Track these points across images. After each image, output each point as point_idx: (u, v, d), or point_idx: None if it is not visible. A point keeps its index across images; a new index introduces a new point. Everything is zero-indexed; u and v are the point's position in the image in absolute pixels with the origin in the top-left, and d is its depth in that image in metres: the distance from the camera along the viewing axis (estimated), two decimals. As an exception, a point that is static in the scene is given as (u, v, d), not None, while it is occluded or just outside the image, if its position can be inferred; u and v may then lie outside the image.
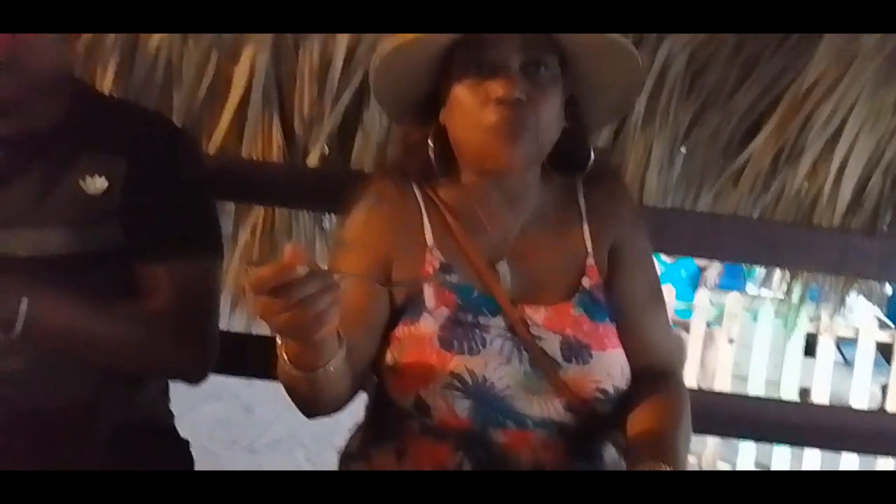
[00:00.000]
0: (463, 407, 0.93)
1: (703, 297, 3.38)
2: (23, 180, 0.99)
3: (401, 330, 0.96)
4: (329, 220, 1.80)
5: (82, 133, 1.03)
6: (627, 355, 1.00)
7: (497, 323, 0.97)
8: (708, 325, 3.40)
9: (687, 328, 3.36)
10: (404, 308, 0.97)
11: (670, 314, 3.35)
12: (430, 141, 0.99)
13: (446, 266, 0.99)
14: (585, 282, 1.02)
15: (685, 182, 1.75)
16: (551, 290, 1.01)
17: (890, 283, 1.91)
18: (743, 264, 2.05)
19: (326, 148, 1.61)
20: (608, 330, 1.00)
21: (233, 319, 1.74)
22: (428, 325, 0.95)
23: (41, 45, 0.95)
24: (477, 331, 0.95)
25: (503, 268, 1.00)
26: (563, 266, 1.03)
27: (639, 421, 0.96)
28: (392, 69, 0.99)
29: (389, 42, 0.96)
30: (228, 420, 3.16)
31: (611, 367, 0.98)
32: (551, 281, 1.02)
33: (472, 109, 0.93)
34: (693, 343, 3.31)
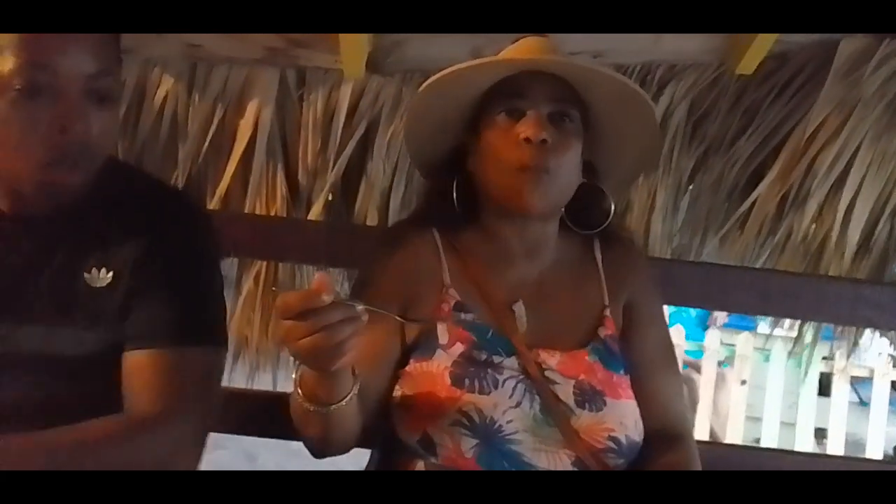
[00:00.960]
0: (469, 446, 0.92)
1: (713, 337, 3.35)
2: (36, 267, 0.93)
3: (412, 366, 0.97)
4: (332, 272, 1.81)
5: (102, 210, 0.95)
6: (641, 414, 0.99)
7: (511, 364, 0.96)
8: (720, 364, 3.36)
9: (698, 369, 3.32)
10: (417, 345, 0.97)
11: (681, 355, 3.34)
12: (454, 186, 1.02)
13: (462, 305, 1.00)
14: (601, 331, 1.02)
15: (690, 228, 1.75)
16: (567, 337, 1.01)
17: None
18: (754, 316, 2.02)
19: (330, 196, 1.62)
20: (622, 380, 0.99)
21: (234, 373, 1.74)
22: (441, 361, 0.95)
23: (106, 125, 0.89)
24: (490, 370, 0.95)
25: (519, 309, 1.01)
26: (580, 314, 1.04)
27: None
28: (427, 116, 1.04)
29: (426, 86, 1.01)
30: (232, 467, 3.13)
31: (624, 417, 0.96)
32: (567, 327, 1.02)
33: (501, 150, 0.97)
34: (705, 385, 3.27)
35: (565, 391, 0.96)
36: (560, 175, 0.97)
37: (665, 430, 1.00)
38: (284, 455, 3.17)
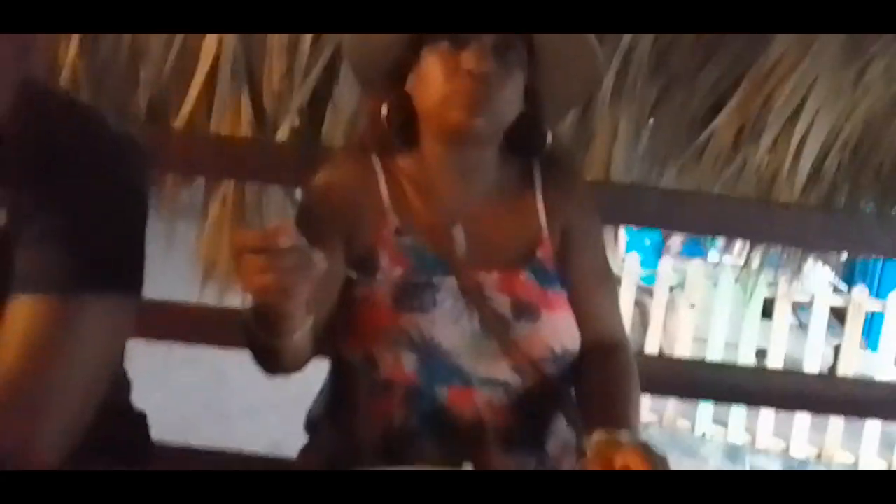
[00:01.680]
0: (410, 361, 0.97)
1: (666, 264, 3.47)
2: None
3: (356, 290, 1.00)
4: (299, 193, 1.81)
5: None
6: (578, 325, 1.04)
7: (450, 284, 1.01)
8: (671, 290, 3.49)
9: (651, 294, 3.45)
10: (360, 268, 1.01)
11: (635, 281, 3.46)
12: (385, 108, 1.02)
13: (401, 229, 1.03)
14: (539, 252, 1.06)
15: (651, 157, 1.79)
16: (504, 257, 1.05)
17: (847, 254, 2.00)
18: (709, 235, 2.12)
19: (297, 120, 1.61)
20: (558, 296, 1.05)
21: (204, 293, 1.76)
22: (382, 284, 0.99)
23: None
24: (428, 290, 0.99)
25: (458, 232, 1.04)
26: (516, 236, 1.07)
27: (590, 389, 1.02)
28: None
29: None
30: (202, 386, 3.18)
31: (559, 328, 1.02)
32: (504, 248, 1.06)
33: (440, 78, 0.97)
34: (656, 308, 3.41)
35: (502, 306, 1.01)
36: (501, 106, 0.99)
37: (602, 340, 1.07)
38: (255, 372, 3.23)
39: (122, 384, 1.07)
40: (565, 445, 1.06)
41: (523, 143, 1.07)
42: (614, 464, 0.80)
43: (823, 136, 1.67)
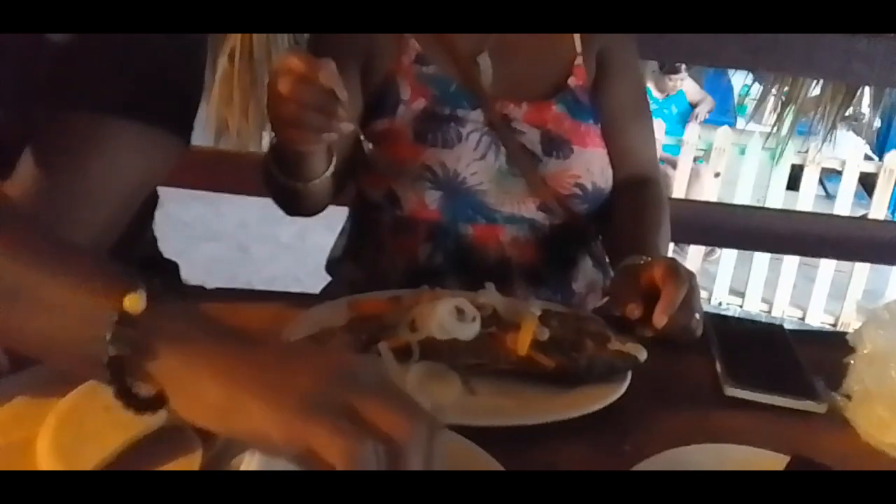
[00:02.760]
0: (432, 199, 0.93)
1: (692, 132, 3.37)
2: None
3: (376, 124, 0.95)
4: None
5: None
6: (611, 162, 1.00)
7: (475, 117, 0.95)
8: (695, 160, 3.41)
9: (674, 165, 3.37)
10: (379, 101, 0.96)
11: (659, 150, 3.37)
12: None
13: (423, 56, 0.97)
14: (571, 81, 1.00)
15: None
16: (534, 87, 0.99)
17: (891, 88, 1.88)
18: (743, 70, 1.99)
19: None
20: (590, 129, 0.99)
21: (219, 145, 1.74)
22: (403, 117, 0.94)
23: None
24: (453, 124, 0.94)
25: (484, 61, 0.97)
26: (548, 64, 1.01)
27: (619, 221, 0.98)
28: None
29: None
30: (226, 259, 3.23)
31: (591, 164, 0.97)
32: (535, 78, 1.00)
33: None
34: (679, 178, 3.34)
35: (532, 141, 0.96)
36: None
37: (635, 174, 1.02)
38: (276, 247, 3.28)
39: (150, 237, 1.08)
40: (591, 284, 1.04)
41: None
42: (640, 279, 0.79)
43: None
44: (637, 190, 1.00)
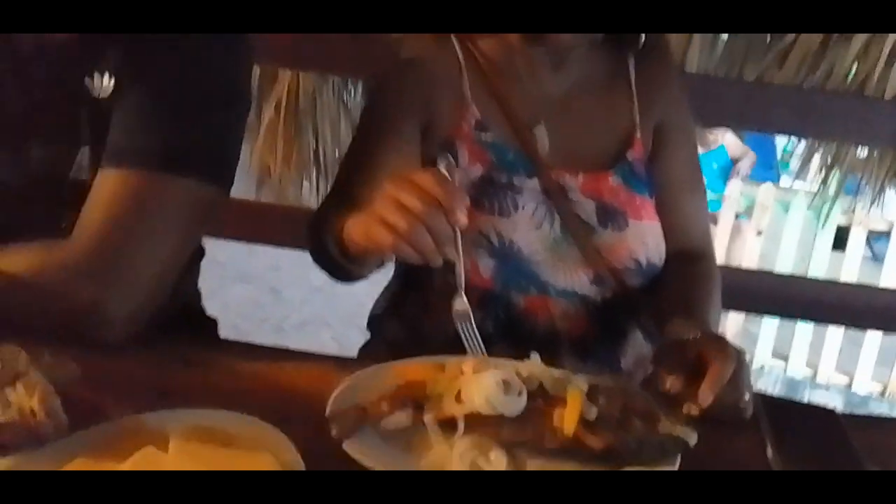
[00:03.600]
0: (486, 266, 0.93)
1: (734, 188, 3.32)
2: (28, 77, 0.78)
3: None
4: (352, 98, 1.77)
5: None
6: (664, 234, 0.99)
7: (531, 185, 0.95)
8: (737, 216, 3.35)
9: (715, 220, 3.32)
10: (437, 164, 0.96)
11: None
12: None
13: (482, 123, 0.96)
14: (629, 154, 0.99)
15: (727, 63, 1.67)
16: (591, 158, 0.98)
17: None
18: (791, 136, 1.95)
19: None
20: (646, 202, 0.99)
21: (260, 199, 1.76)
22: (461, 183, 0.93)
23: None
24: (510, 192, 0.94)
25: (540, 131, 0.97)
26: (607, 135, 1.00)
27: (670, 293, 0.96)
28: None
29: None
30: (257, 301, 3.25)
31: (646, 237, 0.97)
32: (593, 149, 0.99)
33: None
34: (720, 235, 3.28)
35: (587, 212, 0.95)
36: None
37: (688, 248, 1.00)
38: (308, 291, 3.29)
39: (194, 290, 1.08)
40: (641, 357, 1.01)
41: (621, 35, 0.99)
42: (687, 354, 0.75)
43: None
44: (689, 264, 0.98)
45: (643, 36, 0.99)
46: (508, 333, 0.95)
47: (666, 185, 1.01)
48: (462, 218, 0.68)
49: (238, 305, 3.18)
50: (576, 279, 0.95)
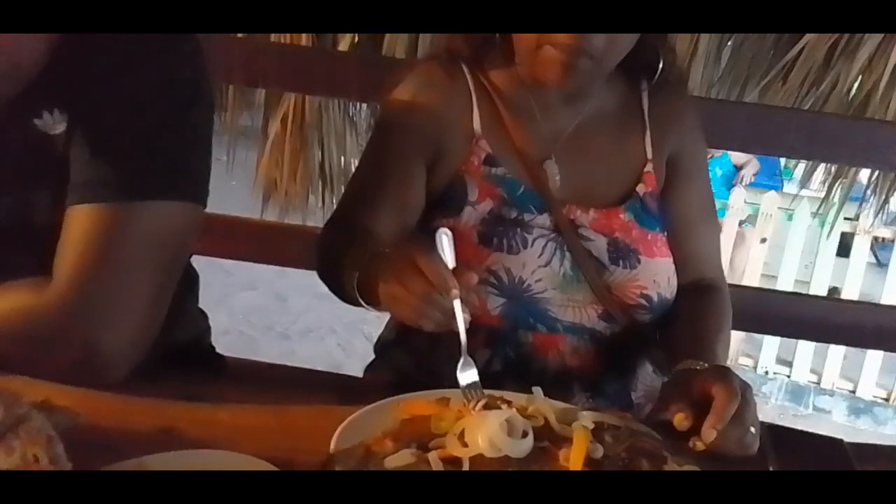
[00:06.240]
0: (495, 304, 0.91)
1: (738, 195, 3.32)
2: None
3: (439, 222, 0.93)
4: (358, 113, 1.78)
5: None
6: (676, 267, 0.97)
7: (541, 222, 0.94)
8: (741, 224, 3.35)
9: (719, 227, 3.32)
10: (444, 199, 0.94)
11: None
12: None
13: (492, 158, 0.95)
14: (640, 189, 0.98)
15: (731, 77, 1.67)
16: (602, 193, 0.97)
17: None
18: (798, 160, 1.95)
19: (356, 36, 1.56)
20: (658, 238, 0.97)
21: (266, 213, 1.76)
22: (469, 218, 0.92)
23: None
24: (519, 229, 0.92)
25: (551, 166, 0.96)
26: (618, 170, 0.99)
27: (681, 325, 0.95)
28: None
29: None
30: (263, 308, 3.26)
31: (658, 275, 0.95)
32: (604, 184, 0.98)
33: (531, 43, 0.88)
34: (724, 242, 3.28)
35: (598, 249, 0.94)
36: (608, 56, 0.88)
37: (699, 280, 1.00)
38: (314, 298, 3.30)
39: (203, 325, 1.07)
40: (650, 391, 1.00)
41: (634, 64, 0.95)
42: (693, 388, 0.76)
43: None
44: (700, 296, 0.98)
45: (659, 67, 0.97)
46: (517, 371, 0.94)
47: (679, 218, 0.99)
48: (455, 293, 0.71)
49: (244, 312, 3.20)
50: (585, 315, 0.94)
